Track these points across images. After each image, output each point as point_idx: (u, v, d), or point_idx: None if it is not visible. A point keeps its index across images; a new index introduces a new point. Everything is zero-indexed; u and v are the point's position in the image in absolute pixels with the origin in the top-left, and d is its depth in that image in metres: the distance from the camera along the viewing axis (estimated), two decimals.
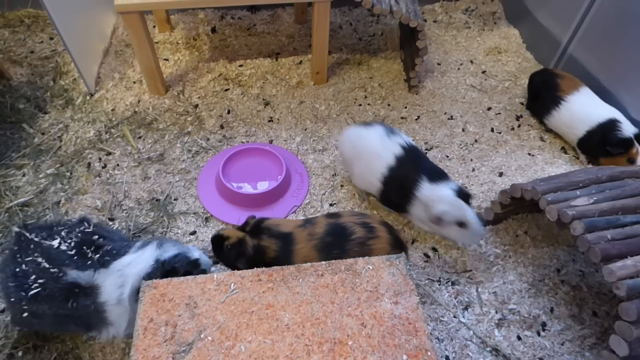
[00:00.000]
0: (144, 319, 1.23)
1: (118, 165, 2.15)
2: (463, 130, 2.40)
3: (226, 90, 2.57)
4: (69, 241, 1.37)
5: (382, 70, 2.73)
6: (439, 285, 1.76)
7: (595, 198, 1.53)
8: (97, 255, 1.38)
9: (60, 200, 1.98)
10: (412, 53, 2.49)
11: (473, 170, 2.19)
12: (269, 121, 2.41)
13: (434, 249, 1.87)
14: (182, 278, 1.34)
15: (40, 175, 2.08)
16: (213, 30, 2.95)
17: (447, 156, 2.25)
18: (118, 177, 2.10)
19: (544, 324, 1.66)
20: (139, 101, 2.46)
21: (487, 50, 2.90)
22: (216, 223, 1.95)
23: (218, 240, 1.57)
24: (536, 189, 1.59)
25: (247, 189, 2.04)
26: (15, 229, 1.37)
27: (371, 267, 1.37)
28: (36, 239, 1.34)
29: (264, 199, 1.98)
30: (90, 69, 2.50)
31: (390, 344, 1.19)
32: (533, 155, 2.27)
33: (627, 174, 1.66)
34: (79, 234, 1.41)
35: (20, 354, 1.51)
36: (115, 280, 1.35)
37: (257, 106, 2.48)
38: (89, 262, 1.35)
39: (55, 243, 1.34)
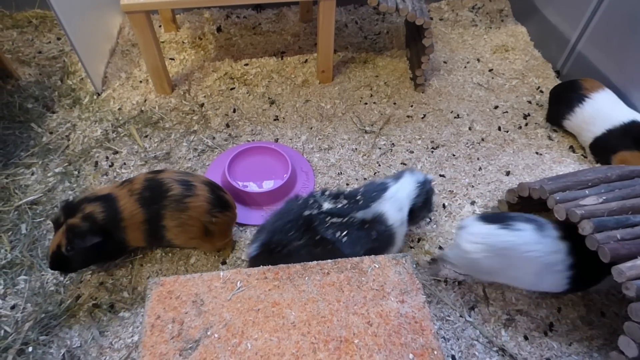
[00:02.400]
0: (151, 315, 1.24)
1: (125, 164, 2.16)
2: (470, 128, 2.38)
3: (232, 89, 2.57)
4: (327, 201, 1.56)
5: (388, 69, 2.72)
6: (445, 285, 1.75)
7: (604, 197, 1.51)
8: (360, 197, 1.58)
9: (68, 199, 2.00)
10: (418, 51, 2.48)
11: (480, 169, 2.18)
12: (275, 120, 2.41)
13: (440, 248, 1.86)
14: (188, 275, 1.34)
15: (49, 174, 2.09)
16: (218, 29, 2.96)
17: (454, 155, 2.24)
18: (125, 175, 2.11)
19: (551, 325, 1.65)
20: (145, 100, 2.48)
21: (494, 48, 2.88)
22: None
23: (55, 257, 1.56)
24: (544, 188, 1.57)
25: (252, 187, 2.05)
26: (306, 213, 1.51)
27: (377, 266, 1.36)
28: (318, 211, 1.52)
29: (269, 198, 1.99)
30: (97, 68, 2.52)
31: (396, 343, 1.19)
32: (541, 154, 2.25)
33: (637, 173, 1.63)
34: (323, 195, 1.59)
35: (30, 349, 1.53)
36: (394, 206, 1.58)
37: (263, 105, 2.49)
38: (361, 202, 1.56)
39: (326, 205, 1.54)
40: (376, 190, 1.60)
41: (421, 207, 1.69)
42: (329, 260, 1.38)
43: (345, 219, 1.50)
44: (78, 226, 1.54)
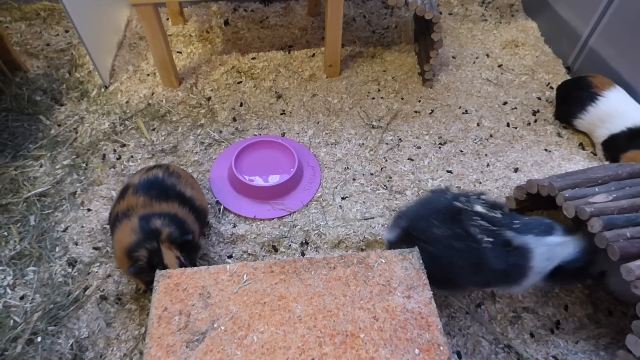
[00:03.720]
0: (158, 307, 1.25)
1: (132, 156, 2.17)
2: (478, 124, 2.36)
3: (239, 83, 2.57)
4: (481, 205, 1.49)
5: (395, 64, 2.70)
6: None
7: (614, 195, 1.49)
8: (518, 222, 1.47)
9: (76, 191, 2.01)
10: (427, 46, 2.46)
11: (488, 165, 2.16)
12: (282, 114, 2.41)
13: None
14: (195, 268, 1.35)
15: (57, 166, 2.11)
16: (226, 22, 2.95)
17: (462, 151, 2.23)
18: (132, 168, 2.12)
19: (558, 323, 1.64)
20: (152, 93, 2.48)
21: (503, 43, 2.85)
22: (229, 214, 1.96)
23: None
24: (553, 185, 1.56)
25: (259, 181, 2.05)
26: (455, 204, 1.47)
27: (384, 261, 1.36)
28: (468, 208, 1.47)
29: (276, 192, 1.99)
30: (104, 61, 2.52)
31: (402, 338, 1.19)
32: (550, 151, 2.23)
33: None
34: (478, 199, 1.51)
35: (39, 339, 1.55)
36: (545, 253, 1.45)
37: (270, 99, 2.48)
38: (516, 226, 1.46)
39: (478, 207, 1.47)
40: (540, 227, 1.49)
41: (568, 272, 1.50)
42: (335, 255, 1.38)
43: (494, 228, 1.43)
44: (171, 233, 1.50)
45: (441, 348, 1.17)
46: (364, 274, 1.33)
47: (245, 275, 1.33)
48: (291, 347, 1.17)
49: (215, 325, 1.21)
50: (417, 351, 1.16)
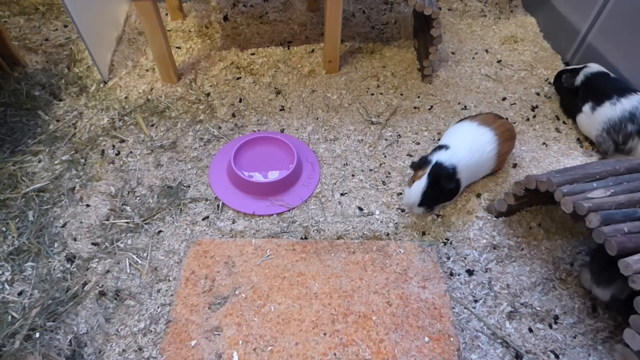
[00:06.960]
0: (187, 270, 1.32)
1: (131, 152, 2.17)
2: None
3: (238, 78, 2.56)
4: None
5: (395, 59, 2.70)
6: (451, 276, 1.75)
7: (612, 190, 1.50)
8: None
9: (75, 187, 2.01)
10: (426, 42, 2.46)
11: None
12: (281, 110, 2.40)
13: (447, 241, 1.86)
14: (223, 239, 1.40)
15: (56, 162, 2.10)
16: (225, 18, 2.95)
17: None
18: (131, 164, 2.12)
19: (556, 317, 1.65)
20: (151, 89, 2.48)
21: (502, 39, 2.85)
22: (227, 210, 1.96)
23: None
24: (551, 181, 1.56)
25: (258, 177, 2.05)
26: None
27: (402, 251, 1.39)
28: None
29: (275, 188, 1.99)
30: (103, 56, 2.51)
31: (413, 325, 1.21)
32: (548, 146, 2.24)
33: None
34: None
35: (37, 335, 1.55)
36: None
37: (269, 95, 2.48)
38: None
39: None
40: None
41: None
42: (356, 240, 1.40)
43: None
44: None
45: (451, 339, 1.19)
46: (381, 261, 1.35)
47: (268, 250, 1.38)
48: (305, 320, 1.20)
49: (236, 292, 1.27)
50: (427, 339, 1.18)
